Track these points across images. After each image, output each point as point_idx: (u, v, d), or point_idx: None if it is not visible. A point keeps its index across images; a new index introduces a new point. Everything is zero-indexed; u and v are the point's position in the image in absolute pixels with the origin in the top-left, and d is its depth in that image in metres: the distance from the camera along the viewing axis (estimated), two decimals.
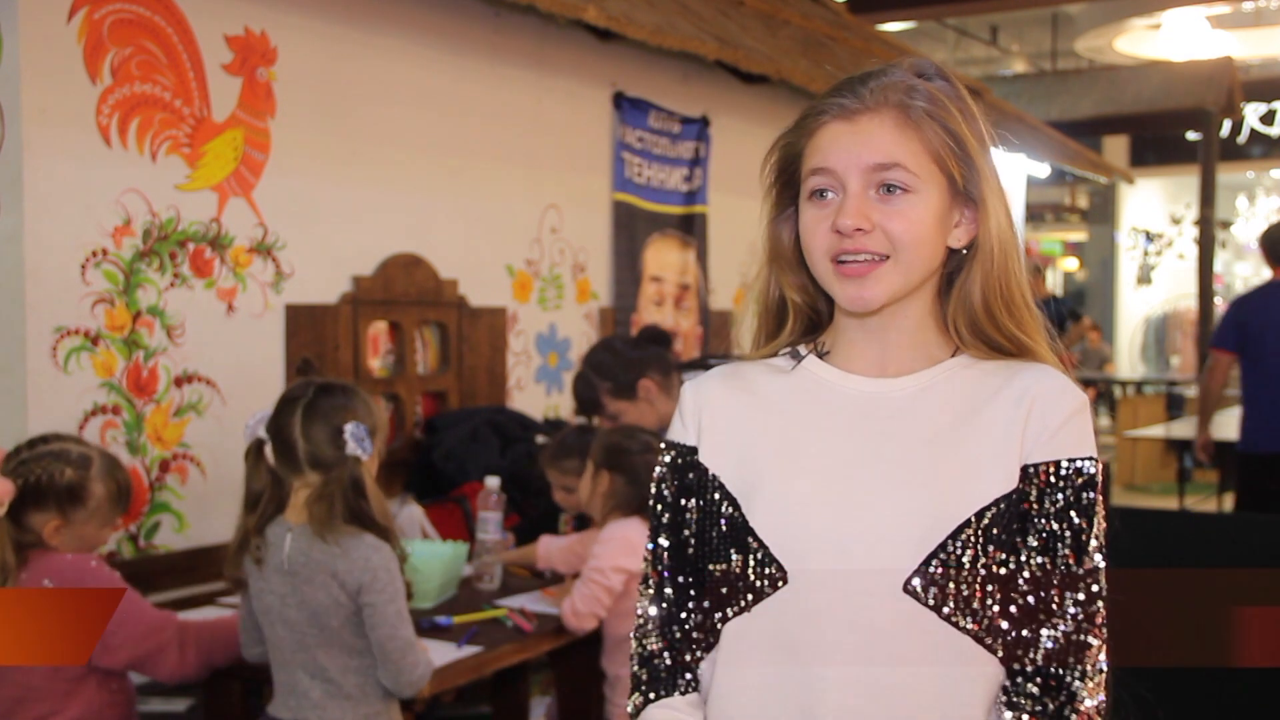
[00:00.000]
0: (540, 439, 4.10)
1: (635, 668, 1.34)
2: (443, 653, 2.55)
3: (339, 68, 3.76)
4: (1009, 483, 1.22)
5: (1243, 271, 16.77)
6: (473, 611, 2.84)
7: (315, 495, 2.29)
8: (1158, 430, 7.95)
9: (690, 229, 5.49)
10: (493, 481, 3.16)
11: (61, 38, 3.01)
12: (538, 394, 4.64)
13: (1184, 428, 7.62)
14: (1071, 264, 17.09)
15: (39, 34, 2.97)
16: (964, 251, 1.28)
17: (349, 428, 2.30)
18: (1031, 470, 1.22)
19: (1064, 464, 1.23)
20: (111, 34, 3.11)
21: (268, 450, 2.35)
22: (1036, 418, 1.23)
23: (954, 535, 1.19)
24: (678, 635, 1.31)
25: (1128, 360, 15.55)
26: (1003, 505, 1.21)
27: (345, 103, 3.78)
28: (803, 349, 1.34)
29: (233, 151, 3.43)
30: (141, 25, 3.18)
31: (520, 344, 4.55)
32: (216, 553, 3.30)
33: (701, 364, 3.52)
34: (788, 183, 1.31)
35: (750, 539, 1.24)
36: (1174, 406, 11.14)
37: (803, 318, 1.35)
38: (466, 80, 4.24)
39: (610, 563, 2.76)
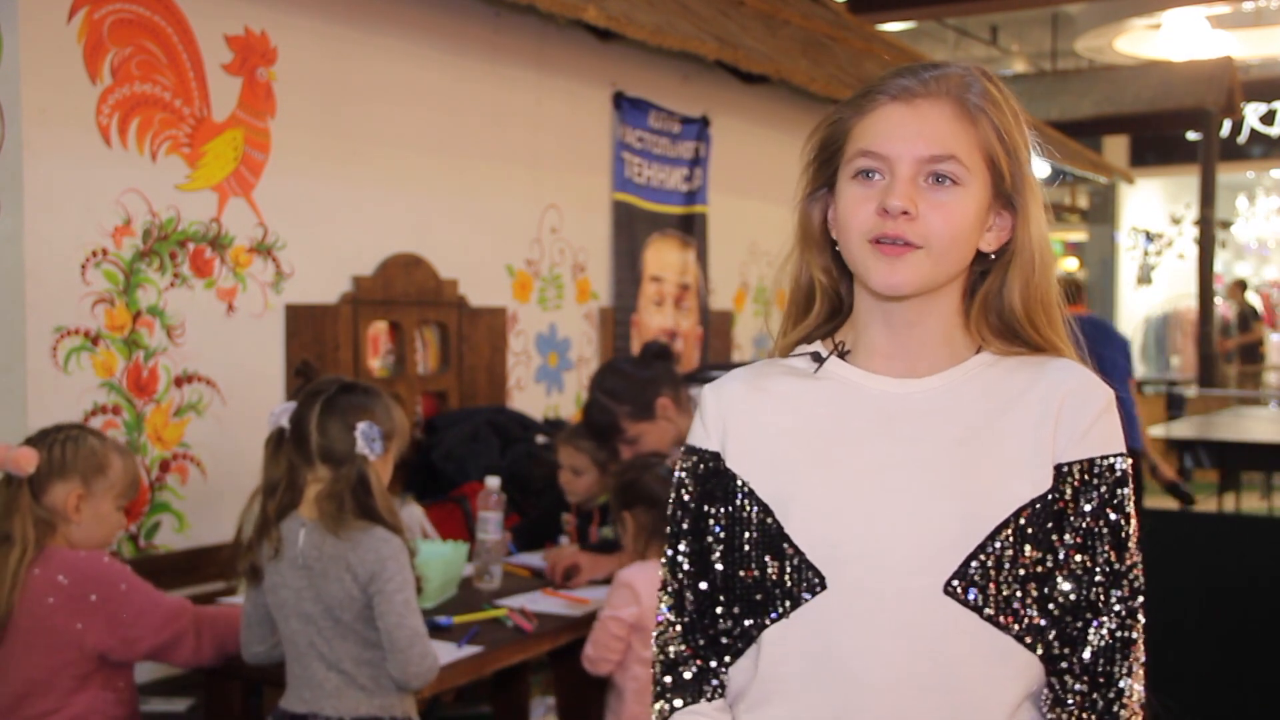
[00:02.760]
0: (540, 439, 4.11)
1: (659, 674, 1.32)
2: (443, 653, 2.54)
3: (339, 68, 3.76)
4: (1043, 482, 1.21)
5: (1243, 271, 16.77)
6: (473, 611, 2.84)
7: (325, 492, 2.34)
8: (1158, 430, 7.94)
9: (690, 229, 5.49)
10: (493, 481, 3.16)
11: (61, 38, 3.01)
12: (538, 394, 4.64)
13: (1184, 428, 7.62)
14: (1071, 264, 17.09)
15: (39, 34, 2.97)
16: (991, 257, 1.27)
17: (361, 426, 2.35)
18: (1065, 470, 1.22)
19: (1097, 461, 1.22)
20: (111, 34, 3.11)
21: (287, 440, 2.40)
22: (1067, 416, 1.22)
23: (992, 536, 1.19)
24: (701, 641, 1.30)
25: None
26: (1038, 505, 1.21)
27: (345, 103, 3.78)
28: (822, 350, 1.32)
29: (233, 151, 3.43)
30: (141, 25, 3.18)
31: (520, 344, 4.55)
32: (217, 553, 3.30)
33: (703, 376, 3.51)
34: (826, 162, 1.30)
35: (786, 545, 1.23)
36: (1174, 406, 11.13)
37: (828, 301, 1.34)
38: (466, 80, 4.24)
39: (612, 611, 2.76)
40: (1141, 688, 1.22)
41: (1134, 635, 1.22)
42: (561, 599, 3.02)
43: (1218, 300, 11.83)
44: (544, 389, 4.68)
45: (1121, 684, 1.20)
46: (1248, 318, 12.53)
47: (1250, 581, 3.03)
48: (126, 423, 3.17)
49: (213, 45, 3.36)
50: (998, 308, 1.28)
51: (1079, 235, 16.87)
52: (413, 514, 3.43)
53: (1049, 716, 1.22)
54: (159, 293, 3.24)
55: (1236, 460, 6.91)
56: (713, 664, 1.30)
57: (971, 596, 1.19)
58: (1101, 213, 16.01)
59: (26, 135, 2.95)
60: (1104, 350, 5.42)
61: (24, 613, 2.30)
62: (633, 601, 2.72)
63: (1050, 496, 1.21)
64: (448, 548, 3.06)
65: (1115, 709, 1.20)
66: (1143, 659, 1.23)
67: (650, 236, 5.24)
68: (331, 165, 3.74)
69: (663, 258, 5.34)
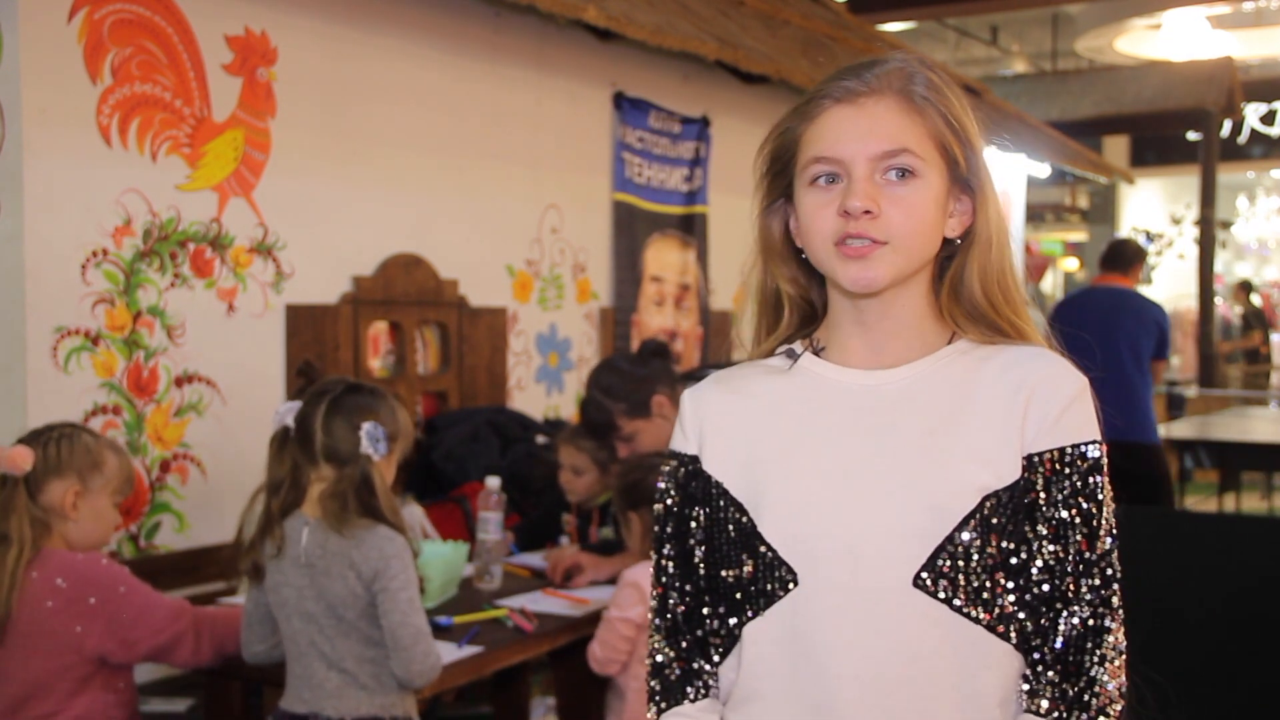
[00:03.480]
0: (540, 439, 4.10)
1: (648, 678, 1.35)
2: (443, 653, 2.54)
3: (339, 68, 3.76)
4: (1010, 471, 1.21)
5: (1243, 271, 16.77)
6: (473, 611, 2.84)
7: (329, 491, 2.34)
8: (1159, 430, 7.95)
9: (690, 229, 5.49)
10: (493, 481, 3.16)
11: (61, 38, 3.01)
12: (538, 394, 4.64)
13: (1184, 428, 7.62)
14: (1072, 264, 17.09)
15: (39, 34, 2.97)
16: (957, 242, 1.28)
17: (366, 427, 2.36)
18: (1036, 459, 1.22)
19: (1068, 450, 1.22)
20: (112, 34, 3.11)
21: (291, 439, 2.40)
22: (1037, 406, 1.22)
23: (960, 526, 1.19)
24: (684, 644, 1.32)
25: None
26: (1004, 495, 1.20)
27: (345, 103, 3.78)
28: (798, 347, 1.33)
29: (233, 151, 3.43)
30: (141, 25, 3.18)
31: (520, 344, 4.55)
32: (217, 553, 3.30)
33: (701, 374, 3.51)
34: (780, 173, 1.31)
35: (759, 544, 1.25)
36: (1174, 406, 11.12)
37: (798, 309, 1.35)
38: (466, 80, 4.24)
39: (619, 612, 2.76)
40: (1118, 679, 1.21)
41: (1107, 624, 1.21)
42: (561, 599, 3.02)
43: (1218, 301, 11.83)
44: (544, 389, 4.68)
45: (1093, 673, 1.20)
46: (1250, 321, 12.54)
47: (1250, 581, 3.03)
48: (127, 423, 3.17)
49: (213, 45, 3.37)
50: (961, 293, 1.28)
51: (1079, 235, 16.87)
52: (413, 514, 3.43)
53: (1025, 707, 1.22)
54: (159, 293, 3.24)
55: (1236, 460, 6.91)
56: (696, 665, 1.32)
57: (940, 588, 1.19)
58: (1101, 213, 16.02)
59: (26, 135, 2.95)
60: (1119, 326, 5.17)
61: (23, 617, 2.30)
62: (639, 601, 2.72)
63: (1018, 486, 1.21)
64: (448, 548, 3.06)
65: (1086, 698, 1.20)
66: (1120, 649, 1.22)
67: (650, 236, 5.24)
68: (331, 165, 3.74)
69: (663, 258, 5.34)
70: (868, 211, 1.20)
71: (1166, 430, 7.72)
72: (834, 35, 6.71)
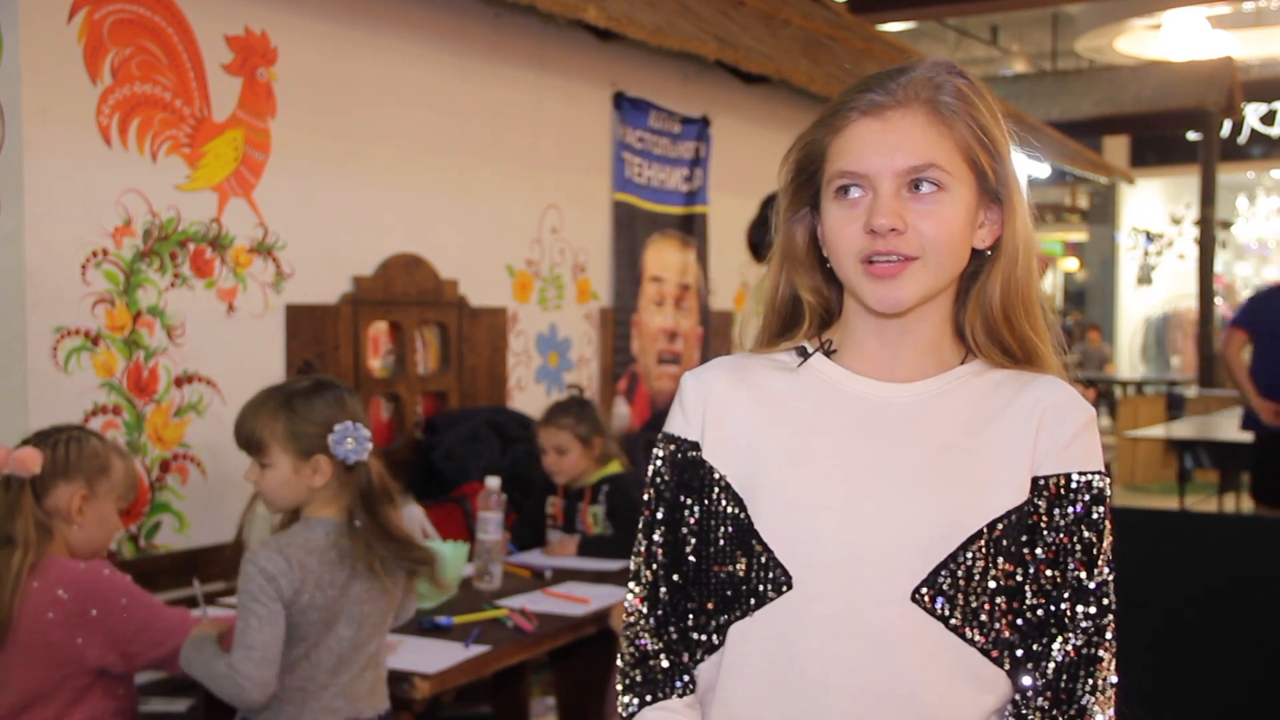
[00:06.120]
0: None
1: (627, 667, 1.30)
2: (448, 653, 2.55)
3: (339, 68, 3.76)
4: (1021, 494, 1.20)
5: (1242, 271, 16.78)
6: (473, 611, 2.84)
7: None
8: (1158, 430, 7.94)
9: (690, 229, 5.49)
10: (493, 481, 3.16)
11: (61, 38, 3.01)
12: (538, 394, 4.64)
13: (1184, 428, 7.62)
14: (1072, 264, 17.09)
15: (39, 34, 2.97)
16: (988, 253, 1.25)
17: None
18: (1041, 482, 1.21)
19: (1075, 477, 1.21)
20: (112, 34, 3.11)
21: None
22: (1048, 430, 1.21)
23: (965, 545, 1.17)
24: (674, 636, 1.28)
25: (1128, 360, 15.55)
26: (1014, 517, 1.19)
27: (345, 103, 3.78)
28: (809, 346, 1.30)
29: (233, 151, 3.43)
30: (141, 25, 3.18)
31: (520, 344, 4.55)
32: (217, 553, 3.30)
33: None
34: (805, 183, 1.28)
35: (755, 542, 1.22)
36: (1174, 407, 11.12)
37: (817, 318, 1.32)
38: (466, 80, 4.24)
39: None
40: (1107, 712, 1.20)
41: (1100, 654, 1.20)
42: (561, 599, 3.02)
43: (1218, 301, 11.83)
44: (544, 389, 4.68)
45: (1084, 701, 1.18)
46: None
47: (1250, 581, 3.03)
48: (127, 423, 3.17)
49: (213, 45, 3.37)
50: (982, 306, 1.26)
51: (1079, 235, 16.87)
52: (413, 514, 3.42)
53: None
54: (159, 293, 3.24)
55: (1236, 460, 6.91)
56: (684, 658, 1.28)
57: (938, 605, 1.17)
58: (1101, 213, 16.01)
59: (26, 135, 2.95)
60: None
61: (23, 626, 2.27)
62: None
63: (1026, 508, 1.20)
64: (448, 548, 3.06)
65: None
66: (1112, 682, 1.20)
67: (650, 236, 5.24)
68: (331, 165, 3.74)
69: (663, 258, 5.34)
70: (894, 229, 1.18)
71: (1166, 430, 7.71)
72: (834, 35, 6.71)
